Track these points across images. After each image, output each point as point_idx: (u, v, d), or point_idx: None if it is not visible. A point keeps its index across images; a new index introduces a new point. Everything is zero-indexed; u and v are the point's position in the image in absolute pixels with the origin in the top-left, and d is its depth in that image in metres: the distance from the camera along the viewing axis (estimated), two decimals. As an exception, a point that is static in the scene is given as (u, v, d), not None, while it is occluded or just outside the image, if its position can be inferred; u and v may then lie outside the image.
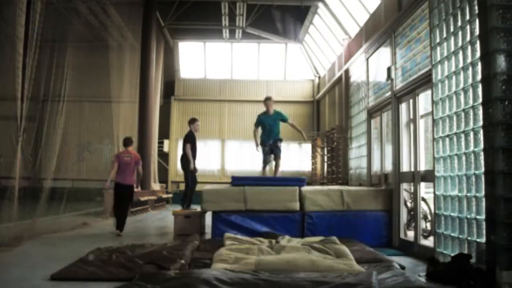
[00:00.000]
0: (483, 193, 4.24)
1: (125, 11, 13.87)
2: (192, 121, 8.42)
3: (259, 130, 8.04)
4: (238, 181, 7.20)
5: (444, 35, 5.16)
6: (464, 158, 4.62)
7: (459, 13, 4.83)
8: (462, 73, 4.72)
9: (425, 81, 5.87)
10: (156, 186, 15.41)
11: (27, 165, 7.67)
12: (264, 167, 7.95)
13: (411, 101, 6.53)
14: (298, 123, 18.32)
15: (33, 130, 9.53)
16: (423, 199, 6.42)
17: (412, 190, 6.40)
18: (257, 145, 7.94)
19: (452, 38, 4.96)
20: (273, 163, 8.09)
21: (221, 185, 8.52)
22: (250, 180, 7.36)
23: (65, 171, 13.98)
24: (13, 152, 6.49)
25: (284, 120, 8.00)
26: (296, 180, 7.44)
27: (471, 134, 4.50)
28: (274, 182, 7.26)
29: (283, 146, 8.05)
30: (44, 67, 9.36)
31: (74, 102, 15.43)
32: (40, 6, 6.41)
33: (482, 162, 4.26)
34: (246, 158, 18.65)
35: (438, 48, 5.30)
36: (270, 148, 7.85)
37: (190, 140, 8.15)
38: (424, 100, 6.35)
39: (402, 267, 4.73)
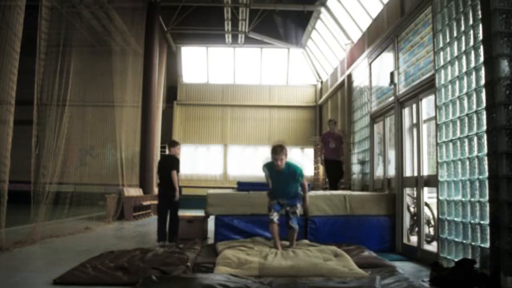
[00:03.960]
0: (487, 198, 4.23)
1: (128, 16, 13.92)
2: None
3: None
4: (244, 186, 7.18)
5: (448, 40, 5.16)
6: (467, 163, 4.61)
7: (462, 18, 4.84)
8: (465, 78, 4.72)
9: (428, 86, 5.87)
10: (158, 190, 15.39)
11: (33, 170, 7.68)
12: (272, 220, 5.55)
13: (414, 106, 6.53)
14: (301, 128, 18.78)
15: (40, 134, 9.54)
16: (426, 204, 6.40)
17: (415, 195, 6.38)
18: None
19: (456, 43, 4.97)
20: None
21: (224, 189, 8.47)
22: (256, 186, 7.24)
23: (68, 176, 13.98)
24: (16, 156, 6.49)
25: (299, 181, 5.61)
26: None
27: (475, 139, 4.49)
28: None
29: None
30: (51, 72, 9.38)
31: (77, 106, 15.46)
32: (45, 11, 6.44)
33: (486, 167, 4.25)
34: (248, 162, 18.66)
35: (441, 53, 5.31)
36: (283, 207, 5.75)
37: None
38: (426, 105, 6.35)
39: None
